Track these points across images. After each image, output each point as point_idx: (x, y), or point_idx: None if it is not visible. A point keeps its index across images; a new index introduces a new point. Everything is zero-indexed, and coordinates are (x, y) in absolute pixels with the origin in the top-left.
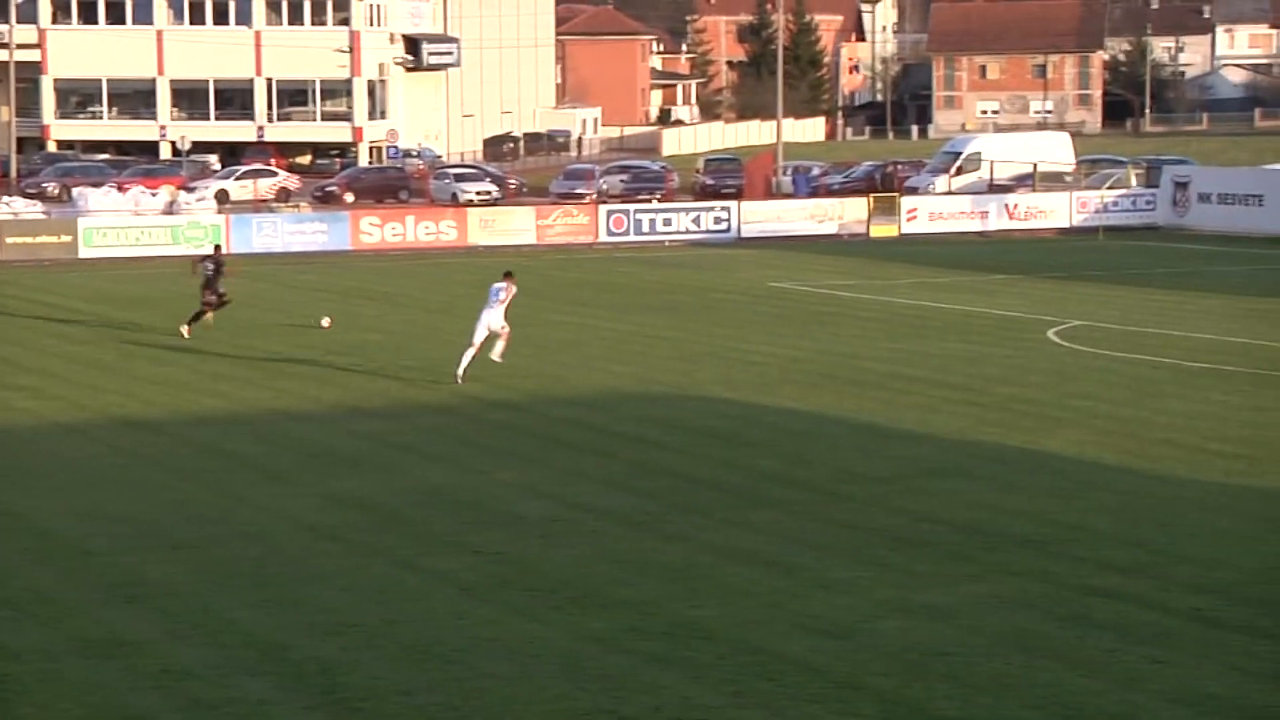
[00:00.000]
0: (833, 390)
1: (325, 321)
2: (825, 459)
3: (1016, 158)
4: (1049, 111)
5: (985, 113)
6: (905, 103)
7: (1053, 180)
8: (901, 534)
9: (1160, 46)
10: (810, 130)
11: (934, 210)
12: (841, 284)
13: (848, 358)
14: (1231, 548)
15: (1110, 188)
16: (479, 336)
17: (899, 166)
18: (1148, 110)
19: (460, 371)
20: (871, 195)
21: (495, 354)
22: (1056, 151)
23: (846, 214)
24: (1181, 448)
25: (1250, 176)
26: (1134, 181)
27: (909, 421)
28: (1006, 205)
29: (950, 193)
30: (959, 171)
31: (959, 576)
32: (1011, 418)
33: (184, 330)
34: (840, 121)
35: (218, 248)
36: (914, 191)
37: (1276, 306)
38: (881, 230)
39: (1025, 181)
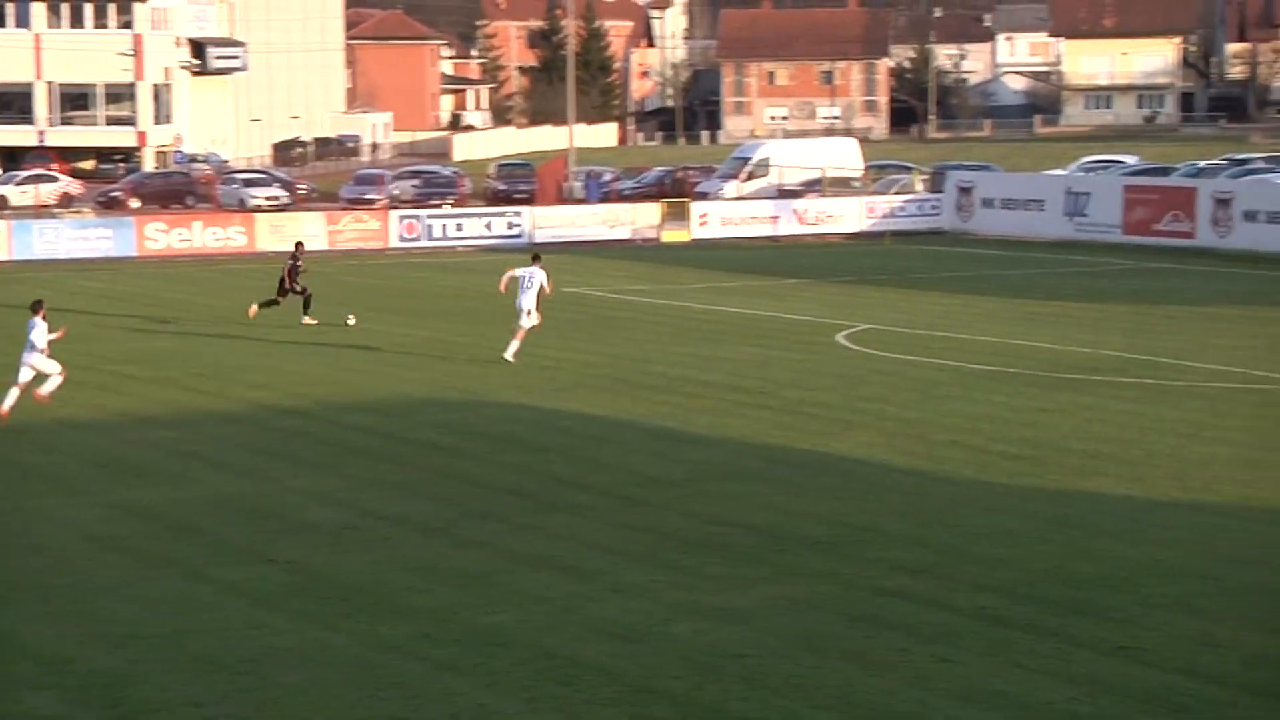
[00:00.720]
0: (626, 395)
1: (351, 320)
2: (619, 463)
3: (805, 163)
4: (837, 117)
5: (774, 118)
6: (696, 108)
7: (841, 185)
8: (695, 537)
9: (944, 54)
10: (602, 135)
11: (725, 215)
12: (634, 289)
13: (641, 362)
14: (1016, 547)
15: (897, 193)
16: (524, 320)
17: (690, 172)
18: (932, 117)
19: (510, 355)
20: (663, 200)
21: (509, 353)
22: (845, 157)
23: (639, 219)
24: (967, 449)
25: (1031, 182)
26: (920, 187)
27: (702, 425)
28: (796, 210)
29: (741, 198)
30: (749, 177)
31: (752, 579)
32: (802, 421)
33: (252, 310)
34: (632, 127)
35: (300, 244)
36: (705, 197)
37: (1056, 309)
38: (673, 235)
39: (814, 187)
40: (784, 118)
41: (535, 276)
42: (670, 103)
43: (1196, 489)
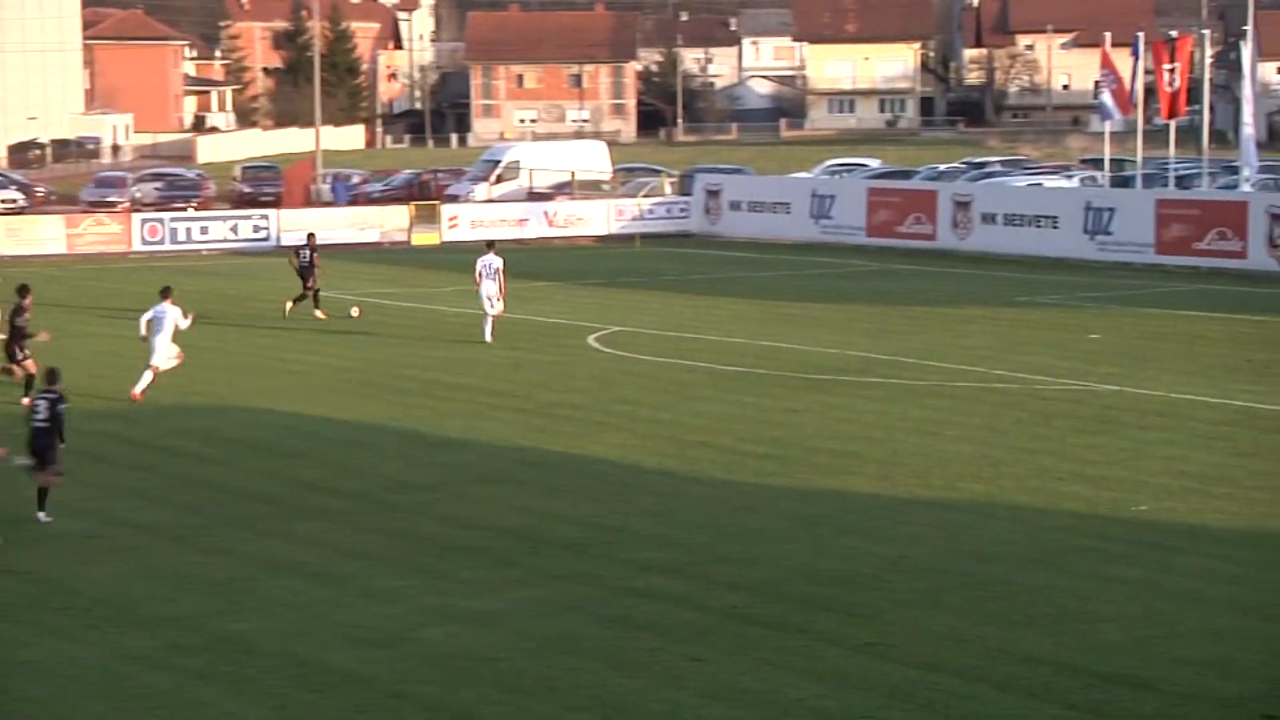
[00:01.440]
0: (377, 399)
1: (355, 311)
2: (370, 468)
3: (555, 166)
4: (585, 120)
5: (523, 121)
6: (444, 111)
7: (590, 188)
8: (448, 541)
9: (690, 58)
10: (349, 138)
11: (475, 218)
12: (384, 292)
13: (391, 365)
14: (765, 546)
15: (646, 196)
16: (488, 307)
17: (439, 174)
18: (680, 120)
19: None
20: (412, 203)
21: (487, 334)
22: (593, 160)
23: (387, 222)
24: (717, 449)
25: (778, 185)
26: (668, 190)
27: (454, 429)
28: (546, 213)
29: (491, 201)
30: (499, 180)
31: (505, 582)
32: (555, 423)
33: (288, 306)
34: (379, 129)
35: (312, 235)
36: (454, 199)
37: (803, 311)
38: (423, 238)
39: (564, 189)
40: (533, 120)
41: (493, 264)
42: (419, 105)
43: (940, 486)
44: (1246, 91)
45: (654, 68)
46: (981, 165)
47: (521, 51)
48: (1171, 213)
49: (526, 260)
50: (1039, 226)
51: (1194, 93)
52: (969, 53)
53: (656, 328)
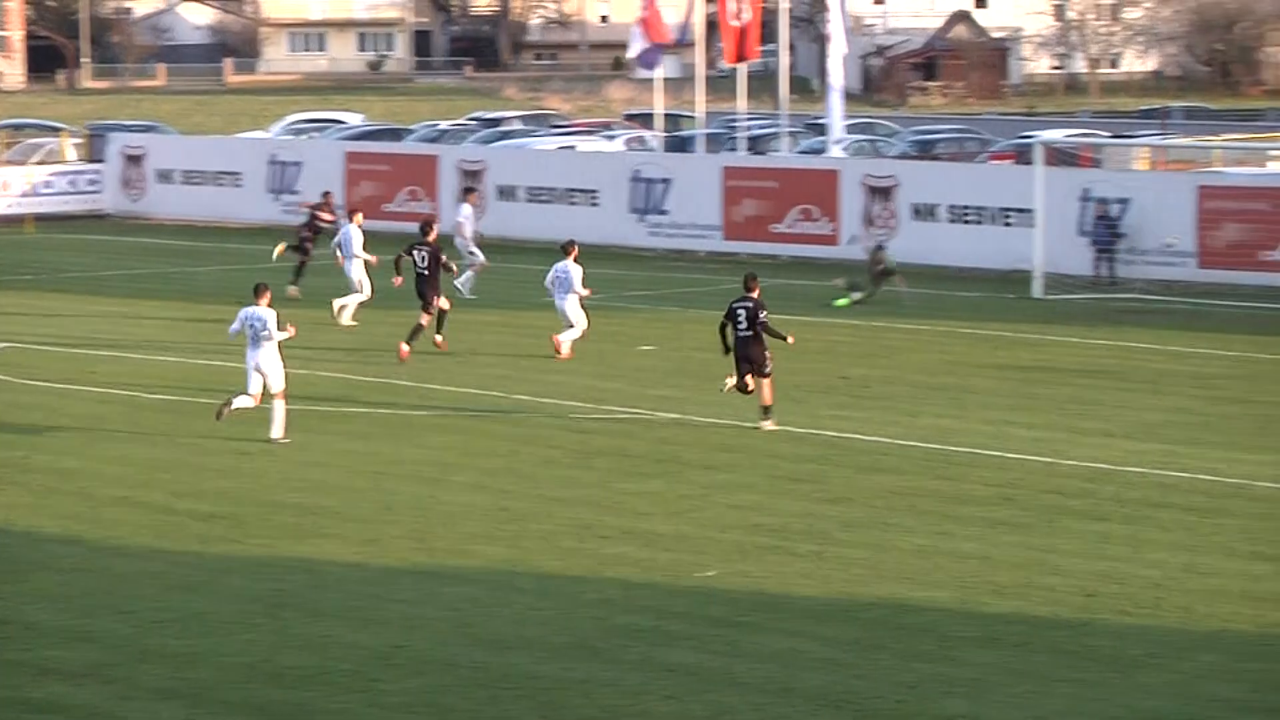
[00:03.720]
0: None
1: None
2: None
3: None
4: None
5: None
6: None
7: None
8: None
9: None
10: None
11: None
12: None
13: None
14: (211, 637)
15: (40, 163)
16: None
17: None
18: (86, 60)
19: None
20: None
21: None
22: None
23: None
24: (144, 508)
25: (224, 148)
26: (72, 155)
27: None
28: None
29: None
30: None
31: None
32: None
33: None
34: None
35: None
36: None
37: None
38: None
39: None
40: None
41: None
42: None
43: (445, 551)
44: (835, 29)
45: None
46: (496, 122)
47: None
48: (742, 184)
49: None
50: (573, 203)
51: (769, 29)
52: None
53: (58, 343)
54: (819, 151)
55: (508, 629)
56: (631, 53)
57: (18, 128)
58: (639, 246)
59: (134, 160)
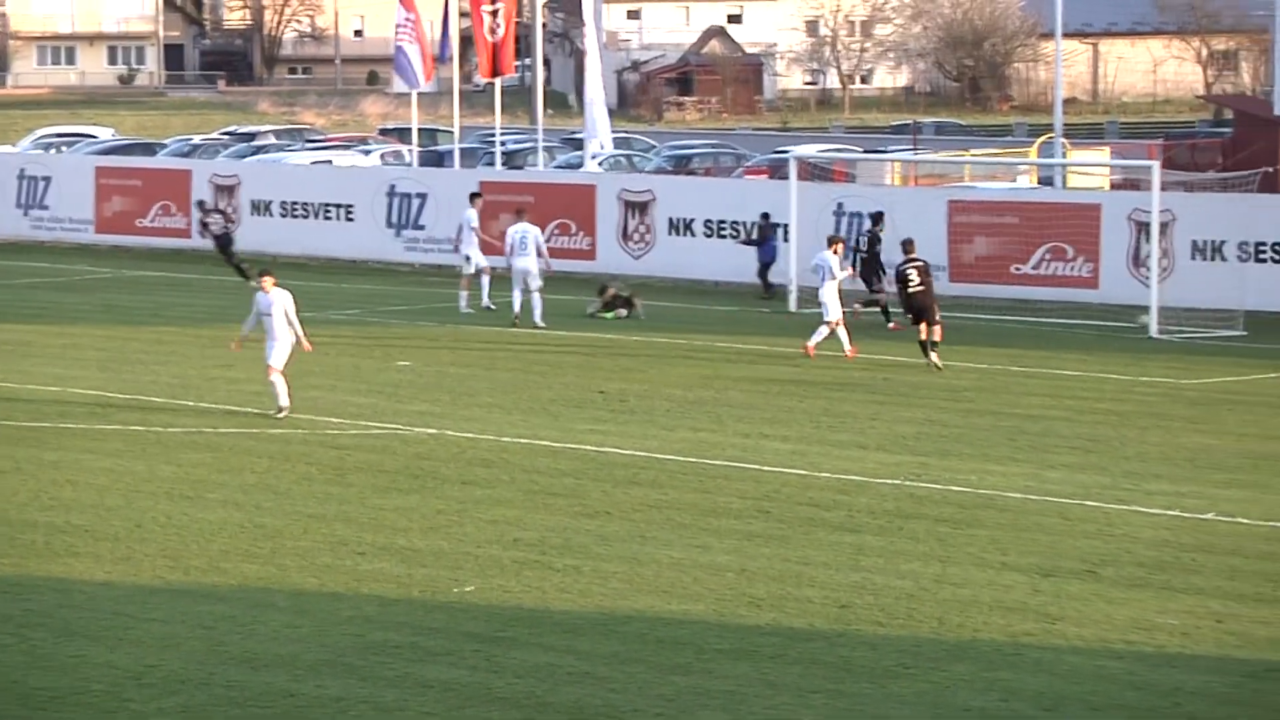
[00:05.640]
0: None
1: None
2: None
3: None
4: None
5: None
6: None
7: None
8: None
9: None
10: None
11: None
12: None
13: None
14: None
15: None
16: (516, 297)
17: None
18: None
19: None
20: None
21: (537, 316)
22: None
23: None
24: None
25: None
26: None
27: None
28: None
29: None
30: None
31: None
32: None
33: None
34: None
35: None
36: None
37: (11, 334)
38: None
39: None
40: None
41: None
42: None
43: (200, 569)
44: (590, 43)
45: None
46: (251, 137)
47: None
48: (500, 199)
49: None
50: (329, 218)
51: (524, 44)
52: None
53: None
54: (576, 166)
55: (263, 647)
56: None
57: None
58: (396, 261)
59: None
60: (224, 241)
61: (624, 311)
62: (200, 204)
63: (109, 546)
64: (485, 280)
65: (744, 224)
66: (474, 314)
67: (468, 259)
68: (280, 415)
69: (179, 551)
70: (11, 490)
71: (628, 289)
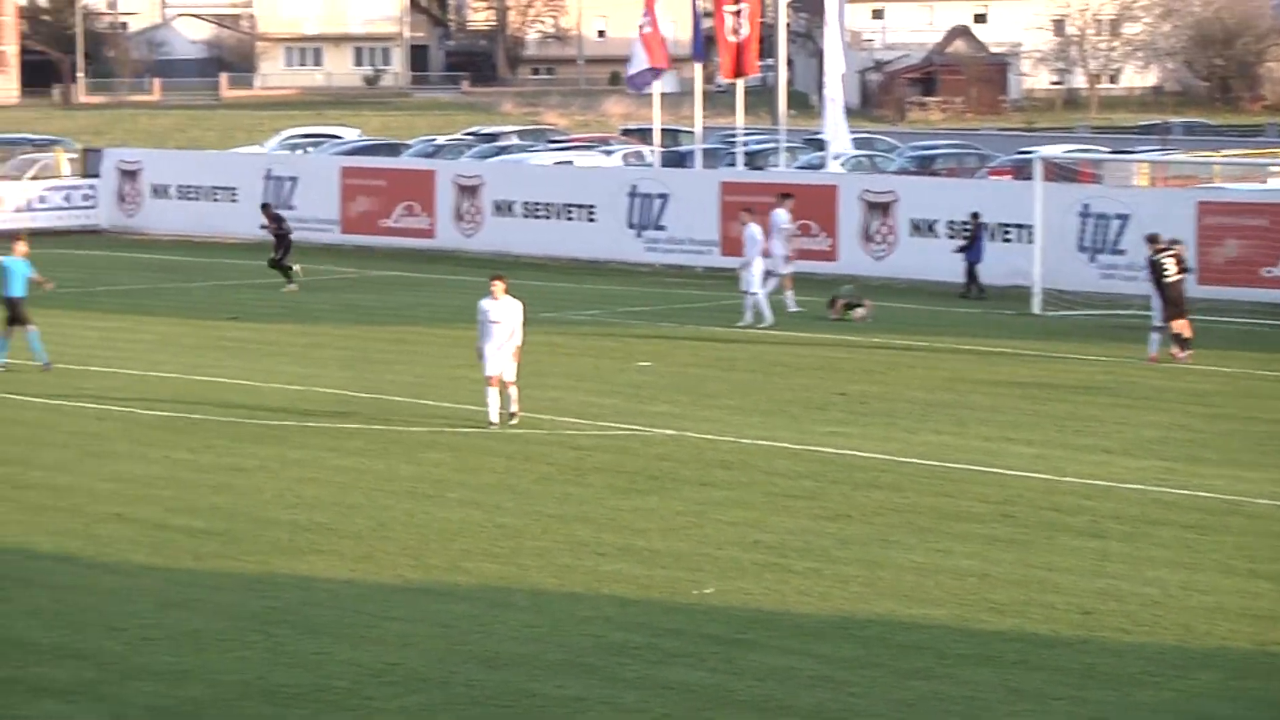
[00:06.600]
0: None
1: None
2: None
3: None
4: None
5: None
6: None
7: None
8: None
9: None
10: None
11: None
12: None
13: None
14: (204, 654)
15: (35, 179)
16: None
17: None
18: (81, 74)
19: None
20: None
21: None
22: None
23: None
24: (137, 524)
25: (219, 163)
26: (67, 170)
27: None
28: None
29: None
30: None
31: None
32: None
33: None
34: None
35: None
36: None
37: (255, 334)
38: None
39: None
40: None
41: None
42: None
43: (440, 568)
44: (832, 43)
45: (43, 2)
46: (493, 137)
47: None
48: (740, 200)
49: None
50: (570, 219)
51: (767, 44)
52: None
53: (52, 359)
54: (818, 167)
55: (502, 646)
56: (630, 70)
57: (11, 143)
58: (636, 262)
59: (129, 175)
60: (282, 243)
61: (861, 310)
62: (264, 207)
63: (351, 544)
64: (773, 282)
65: (987, 225)
66: (793, 315)
67: (786, 259)
68: (511, 423)
69: (420, 550)
70: (256, 488)
71: (856, 292)
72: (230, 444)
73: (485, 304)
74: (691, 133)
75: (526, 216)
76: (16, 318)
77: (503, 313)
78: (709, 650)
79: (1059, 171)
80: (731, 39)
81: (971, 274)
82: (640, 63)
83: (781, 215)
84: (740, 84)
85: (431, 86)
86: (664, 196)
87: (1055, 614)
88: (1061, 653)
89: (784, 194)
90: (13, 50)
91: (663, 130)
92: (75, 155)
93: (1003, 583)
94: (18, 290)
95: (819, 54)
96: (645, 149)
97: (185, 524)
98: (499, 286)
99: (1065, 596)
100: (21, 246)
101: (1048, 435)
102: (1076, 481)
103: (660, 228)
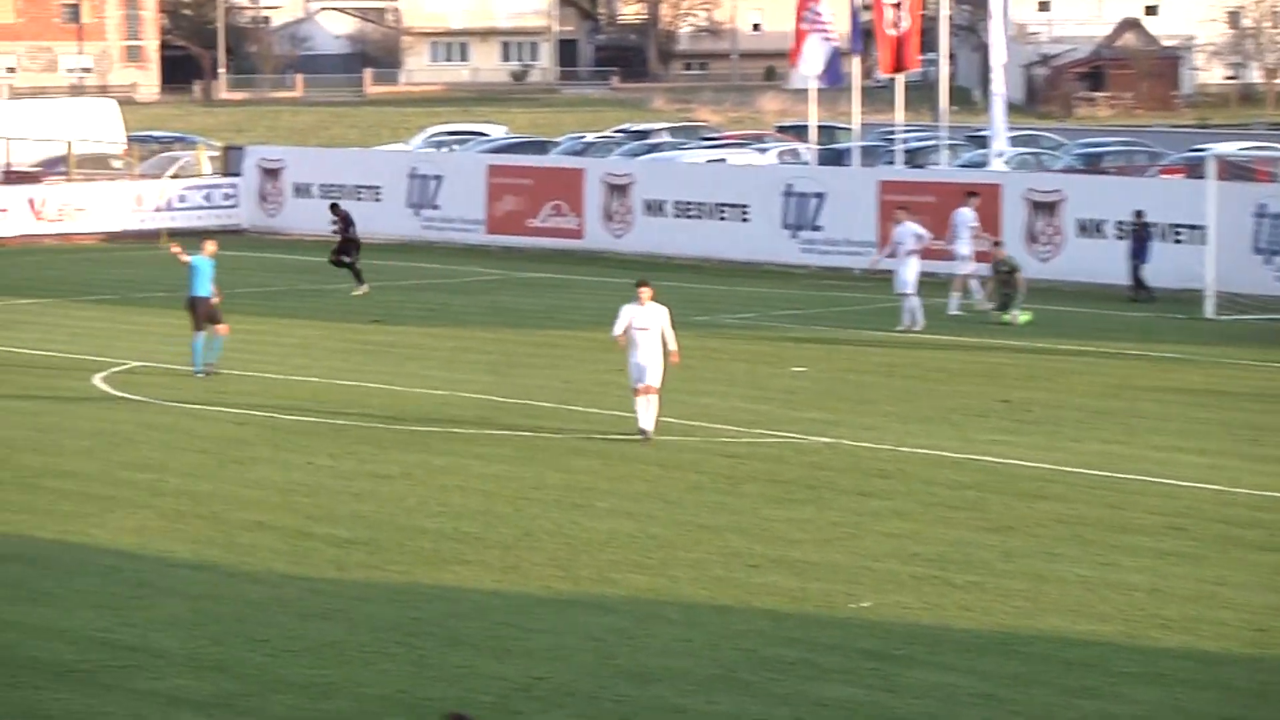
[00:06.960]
0: None
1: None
2: None
3: (43, 134)
4: (87, 70)
5: None
6: None
7: (96, 166)
8: None
9: None
10: None
11: None
12: None
13: None
14: (347, 667)
15: (175, 176)
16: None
17: None
18: (223, 70)
19: None
20: None
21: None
22: (100, 125)
23: None
24: (278, 532)
25: (362, 161)
26: (208, 168)
27: None
28: (31, 200)
29: None
30: None
31: None
32: (45, 499)
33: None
34: None
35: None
36: None
37: (398, 337)
38: None
39: (57, 168)
40: (11, 70)
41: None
42: None
43: (589, 579)
44: (996, 36)
45: None
46: (644, 134)
47: None
48: (899, 199)
49: (4, 268)
50: (723, 219)
51: (928, 37)
52: None
53: (190, 363)
54: (980, 165)
55: (653, 660)
56: (812, 69)
57: (152, 140)
58: (790, 264)
59: (271, 174)
60: (350, 244)
61: (1010, 293)
62: (333, 206)
63: (497, 554)
64: (975, 284)
65: (1158, 226)
66: (965, 315)
67: (969, 258)
68: (643, 438)
69: (568, 561)
70: (400, 496)
71: (1008, 265)
72: (373, 450)
73: (631, 309)
74: (849, 130)
75: (678, 216)
76: (210, 317)
77: (650, 319)
78: (865, 666)
79: (1234, 170)
80: (891, 32)
81: (1136, 276)
82: (820, 53)
83: (966, 214)
84: (900, 79)
85: (580, 82)
86: (820, 196)
87: (1227, 630)
88: (1234, 671)
89: (970, 192)
90: (153, 45)
91: (819, 127)
92: (216, 153)
93: (1173, 598)
94: (203, 290)
95: (982, 48)
96: (801, 146)
97: (327, 532)
98: (646, 293)
99: (1238, 612)
100: (210, 246)
101: (1221, 445)
102: (1251, 493)
103: (816, 228)
